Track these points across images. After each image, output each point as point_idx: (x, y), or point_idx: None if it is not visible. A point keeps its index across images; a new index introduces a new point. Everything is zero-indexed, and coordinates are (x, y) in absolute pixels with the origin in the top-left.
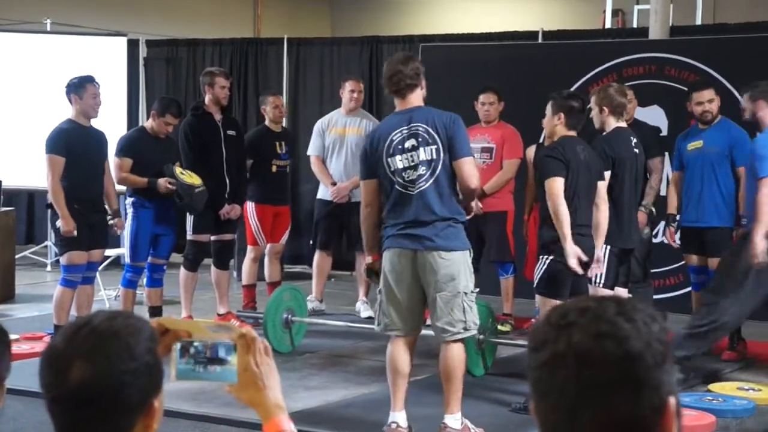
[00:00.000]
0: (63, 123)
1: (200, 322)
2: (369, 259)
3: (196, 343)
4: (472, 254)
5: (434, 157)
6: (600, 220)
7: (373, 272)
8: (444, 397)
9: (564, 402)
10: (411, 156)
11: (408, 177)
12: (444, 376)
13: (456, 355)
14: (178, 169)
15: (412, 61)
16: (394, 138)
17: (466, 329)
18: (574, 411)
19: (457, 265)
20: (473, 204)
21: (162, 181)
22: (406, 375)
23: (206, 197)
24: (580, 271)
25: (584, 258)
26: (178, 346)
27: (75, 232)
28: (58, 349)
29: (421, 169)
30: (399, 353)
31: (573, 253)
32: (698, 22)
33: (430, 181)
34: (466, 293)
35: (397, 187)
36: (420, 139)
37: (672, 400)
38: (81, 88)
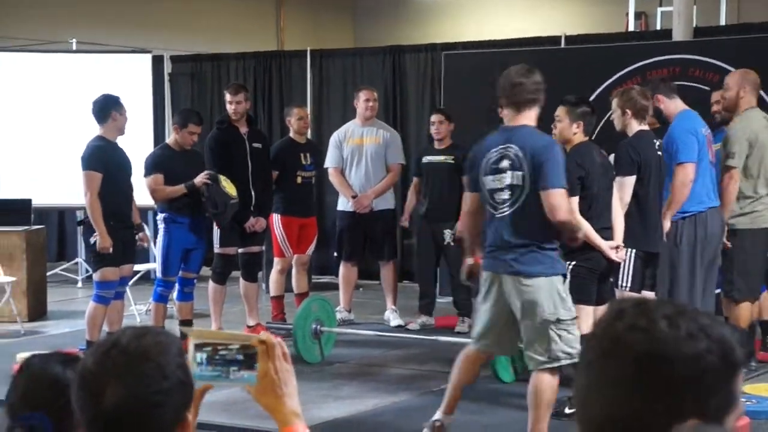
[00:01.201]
0: (95, 140)
1: (222, 332)
2: (470, 260)
3: (219, 348)
4: (566, 280)
5: (520, 183)
6: (615, 220)
7: (472, 275)
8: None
9: (581, 380)
10: (500, 178)
11: (496, 198)
12: (528, 402)
13: (538, 385)
14: (222, 177)
15: (534, 74)
16: (490, 157)
17: (551, 359)
18: (588, 390)
19: (540, 292)
20: (579, 234)
21: (199, 179)
22: (460, 385)
23: (236, 210)
24: (622, 257)
25: (621, 244)
26: (197, 351)
27: (111, 249)
28: (90, 371)
29: (506, 194)
30: (464, 363)
31: (607, 247)
32: (722, 22)
33: (514, 207)
34: (553, 321)
35: (488, 206)
36: (510, 163)
37: (691, 422)
38: (118, 104)
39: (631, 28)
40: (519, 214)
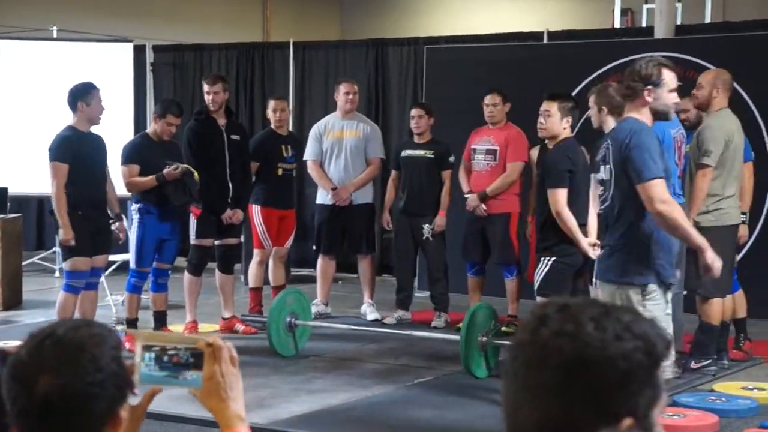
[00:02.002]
0: (64, 130)
1: (170, 334)
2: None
3: (167, 350)
4: (641, 291)
5: (607, 177)
6: (591, 217)
7: None
8: None
9: (509, 388)
10: (601, 171)
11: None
12: None
13: None
14: (186, 166)
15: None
16: (601, 151)
17: None
18: (516, 398)
19: (604, 298)
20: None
21: (168, 170)
22: None
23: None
24: (598, 254)
25: (598, 241)
26: (144, 352)
27: (73, 242)
28: (23, 362)
29: (600, 189)
30: None
31: (587, 244)
32: (707, 20)
33: (607, 202)
34: None
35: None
36: (605, 156)
37: (626, 422)
38: (88, 94)
39: (617, 24)
40: (609, 211)
